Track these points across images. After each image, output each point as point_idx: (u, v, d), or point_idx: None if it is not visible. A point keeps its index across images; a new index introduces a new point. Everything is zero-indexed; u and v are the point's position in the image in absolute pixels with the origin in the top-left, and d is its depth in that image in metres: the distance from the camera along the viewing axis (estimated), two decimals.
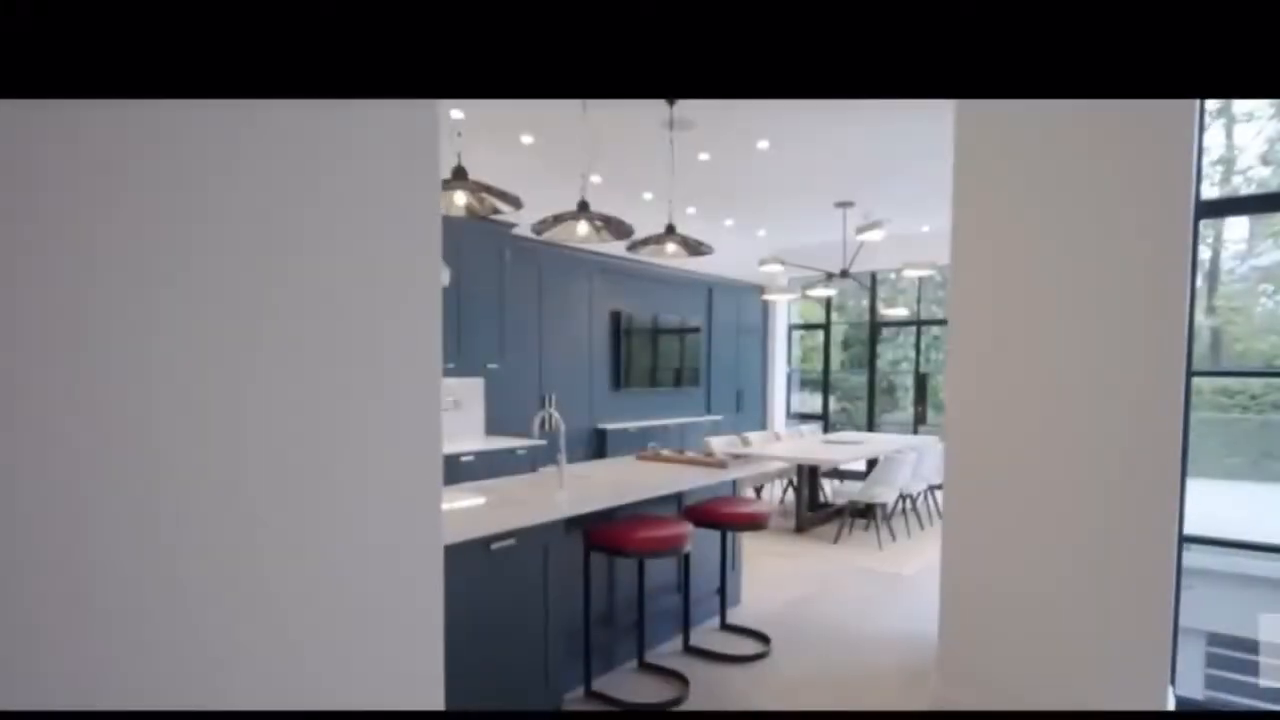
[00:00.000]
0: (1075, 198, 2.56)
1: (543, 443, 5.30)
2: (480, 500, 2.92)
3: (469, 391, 5.54)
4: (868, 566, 5.09)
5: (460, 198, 2.83)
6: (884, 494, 5.58)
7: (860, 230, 5.98)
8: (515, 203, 2.93)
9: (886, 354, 9.75)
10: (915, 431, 8.73)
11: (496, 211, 3.00)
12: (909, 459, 5.60)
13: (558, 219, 3.29)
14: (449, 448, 4.79)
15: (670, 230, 3.92)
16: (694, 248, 4.01)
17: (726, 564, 3.89)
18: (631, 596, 3.32)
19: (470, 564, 2.34)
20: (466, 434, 5.50)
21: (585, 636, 3.02)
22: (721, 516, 3.37)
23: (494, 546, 2.39)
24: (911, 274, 6.28)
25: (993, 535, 2.78)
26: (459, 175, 2.80)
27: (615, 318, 7.09)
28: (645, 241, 3.93)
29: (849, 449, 6.24)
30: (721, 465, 3.81)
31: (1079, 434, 2.56)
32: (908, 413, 10.86)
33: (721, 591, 3.86)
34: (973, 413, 2.81)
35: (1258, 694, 3.21)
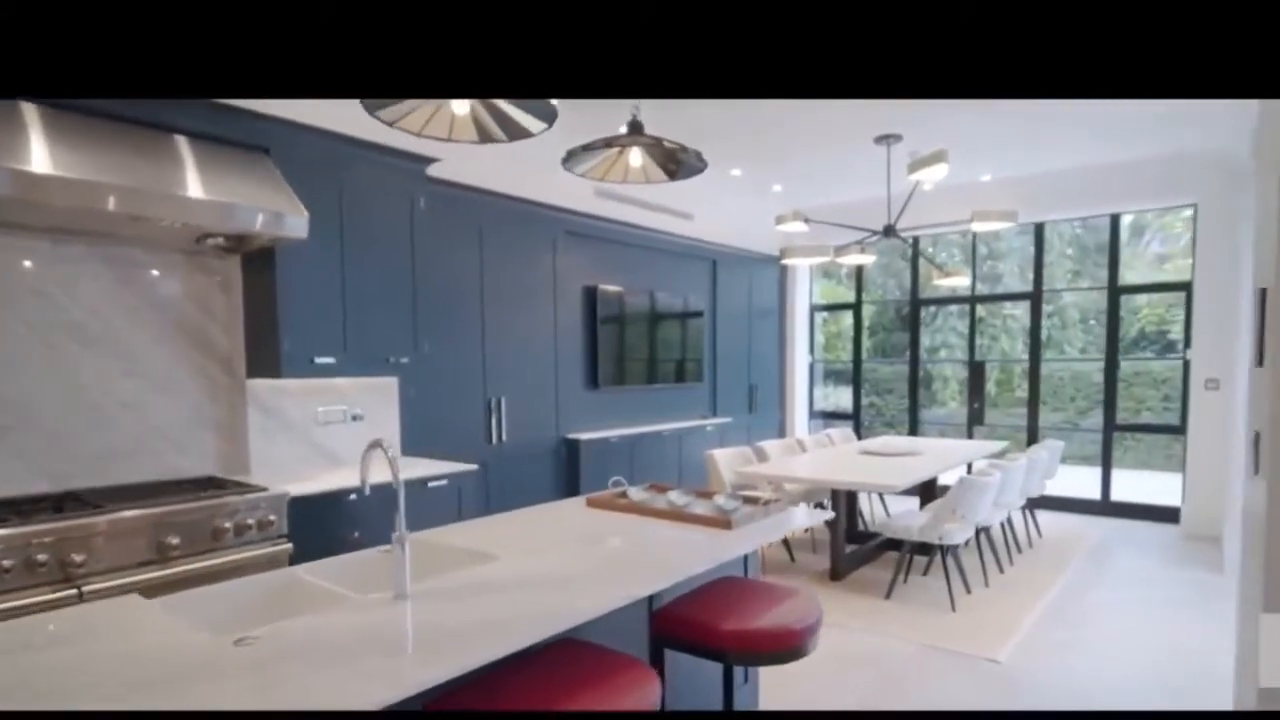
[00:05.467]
0: None
1: (472, 467, 3.74)
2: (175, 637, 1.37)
3: (377, 398, 3.98)
4: (942, 644, 3.50)
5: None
6: (957, 532, 3.98)
7: (914, 167, 4.38)
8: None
9: (922, 339, 8.11)
10: (970, 434, 7.11)
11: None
12: (991, 482, 4.00)
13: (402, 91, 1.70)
14: (332, 482, 3.25)
15: (637, 129, 2.34)
16: (674, 159, 2.44)
17: (735, 680, 2.32)
18: None
19: None
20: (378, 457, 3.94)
21: None
22: (725, 640, 1.78)
23: None
24: (982, 227, 4.66)
25: None
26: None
27: (590, 295, 5.49)
28: (591, 148, 2.35)
29: (900, 465, 4.64)
30: (725, 524, 2.23)
31: None
32: (948, 409, 9.22)
33: None
34: None
35: None
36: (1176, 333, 7.94)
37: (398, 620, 1.49)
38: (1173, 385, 7.68)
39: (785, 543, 5.14)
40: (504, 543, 2.12)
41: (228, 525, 2.74)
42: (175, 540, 2.60)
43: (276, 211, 2.93)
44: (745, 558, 2.42)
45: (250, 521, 2.81)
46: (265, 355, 3.32)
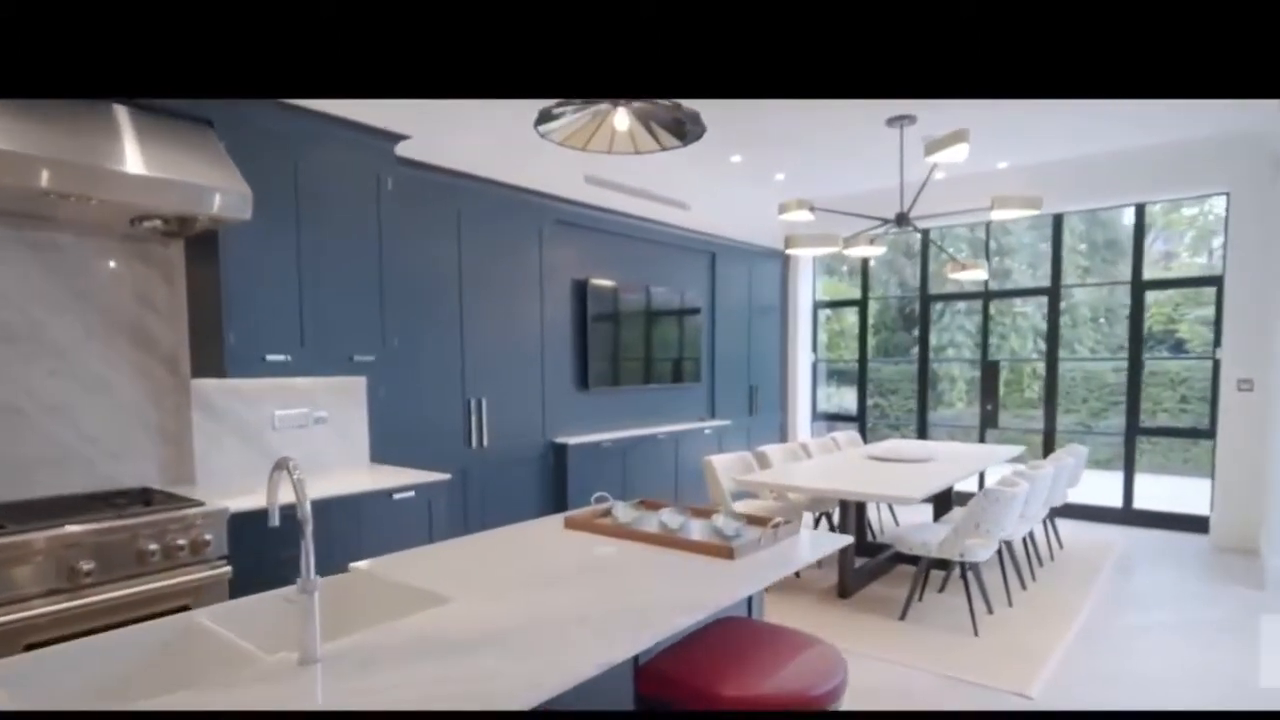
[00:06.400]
0: None
1: (444, 477, 3.38)
2: None
3: (343, 399, 3.63)
4: (965, 674, 3.14)
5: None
6: (980, 548, 3.63)
7: (932, 148, 4.02)
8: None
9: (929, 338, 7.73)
10: (982, 438, 6.75)
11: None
12: (1019, 493, 3.64)
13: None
14: (284, 494, 2.88)
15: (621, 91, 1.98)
16: (668, 123, 2.08)
17: None
18: None
19: None
20: (347, 464, 3.60)
21: None
22: (725, 708, 1.43)
23: None
24: (1002, 216, 4.31)
25: None
26: None
27: (580, 290, 5.14)
28: (565, 102, 1.99)
29: (914, 472, 4.29)
30: (725, 553, 1.87)
31: None
32: (955, 410, 8.87)
33: None
34: None
35: None
36: (1184, 331, 7.60)
37: (292, 699, 1.13)
38: (1190, 386, 7.33)
39: None
40: (461, 576, 1.77)
41: (153, 547, 2.38)
42: (89, 566, 2.24)
43: (215, 189, 2.56)
44: (749, 602, 2.06)
45: (182, 542, 2.45)
46: (211, 352, 2.97)
